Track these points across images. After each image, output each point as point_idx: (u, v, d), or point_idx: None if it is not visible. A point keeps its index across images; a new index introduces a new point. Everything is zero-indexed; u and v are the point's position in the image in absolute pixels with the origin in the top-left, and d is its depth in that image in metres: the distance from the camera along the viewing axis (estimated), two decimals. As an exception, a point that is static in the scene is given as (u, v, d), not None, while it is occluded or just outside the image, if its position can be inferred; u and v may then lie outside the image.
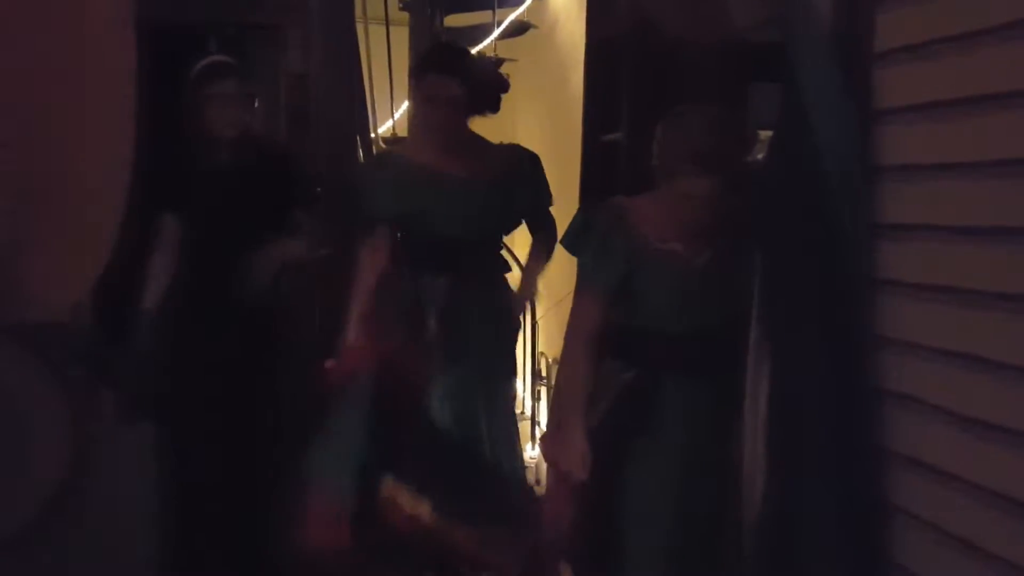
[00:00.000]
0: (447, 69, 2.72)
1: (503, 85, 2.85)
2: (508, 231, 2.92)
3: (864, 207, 1.56)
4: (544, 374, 4.79)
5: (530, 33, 5.03)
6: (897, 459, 1.54)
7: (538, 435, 4.70)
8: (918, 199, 1.50)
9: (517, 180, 2.74)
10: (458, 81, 2.69)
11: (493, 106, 2.82)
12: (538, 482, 3.37)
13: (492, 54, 4.80)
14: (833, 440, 1.56)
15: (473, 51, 4.65)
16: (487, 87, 2.79)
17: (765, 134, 2.83)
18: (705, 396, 2.04)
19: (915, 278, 1.50)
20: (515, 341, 2.95)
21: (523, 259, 3.85)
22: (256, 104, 2.81)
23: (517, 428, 2.96)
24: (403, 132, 4.32)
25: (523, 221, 2.87)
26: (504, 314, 2.84)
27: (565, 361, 2.14)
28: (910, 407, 1.52)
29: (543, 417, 4.68)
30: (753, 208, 1.86)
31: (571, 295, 2.19)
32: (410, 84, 2.84)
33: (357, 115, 3.60)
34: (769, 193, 1.74)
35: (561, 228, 2.27)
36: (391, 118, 4.44)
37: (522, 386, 5.28)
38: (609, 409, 2.07)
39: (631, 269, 2.05)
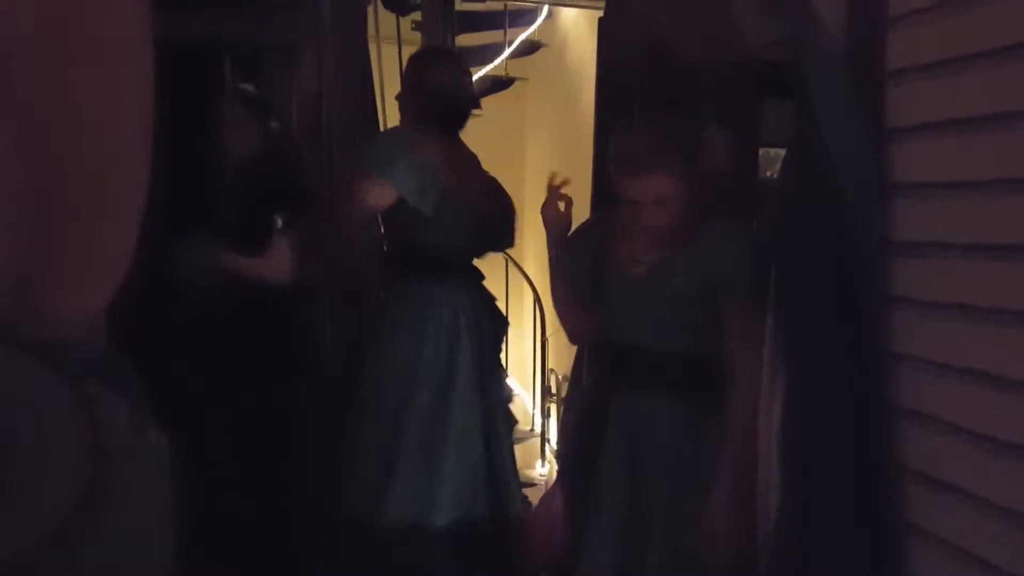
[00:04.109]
0: (411, 61, 2.80)
1: (466, 103, 2.84)
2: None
3: (877, 225, 1.56)
4: (554, 391, 4.80)
5: (541, 52, 5.06)
6: (910, 475, 1.54)
7: (548, 453, 4.69)
8: (931, 217, 1.50)
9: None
10: (409, 75, 2.75)
11: (450, 124, 2.82)
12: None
13: (503, 73, 4.84)
14: (847, 456, 1.55)
15: (484, 70, 4.70)
16: (441, 100, 2.78)
17: (777, 152, 2.84)
18: (650, 407, 2.04)
19: (928, 295, 1.51)
20: (501, 342, 2.96)
21: (531, 273, 3.84)
22: (273, 126, 2.88)
23: (511, 436, 2.97)
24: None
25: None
26: (480, 317, 2.86)
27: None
28: (923, 423, 1.52)
29: (553, 434, 4.67)
30: (768, 225, 1.87)
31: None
32: None
33: (369, 133, 3.62)
34: (782, 210, 1.75)
35: None
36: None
37: (532, 403, 5.28)
38: (577, 419, 2.13)
39: (594, 278, 2.13)
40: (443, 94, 2.77)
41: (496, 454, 2.80)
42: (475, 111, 2.89)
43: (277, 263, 2.68)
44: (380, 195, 2.64)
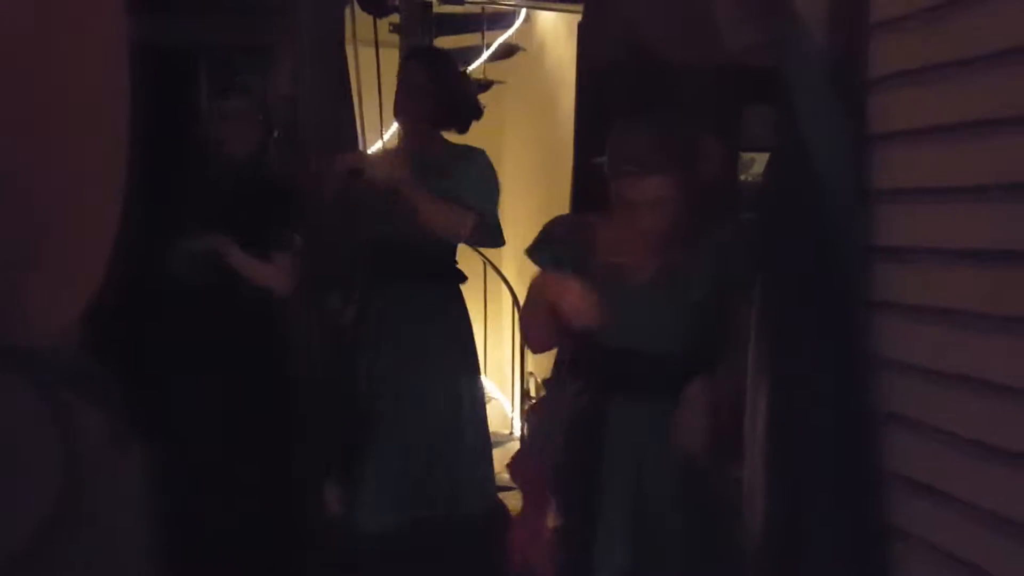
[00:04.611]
0: (426, 62, 2.77)
1: (477, 109, 2.86)
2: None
3: (861, 230, 1.56)
4: (532, 394, 4.79)
5: (519, 55, 5.06)
6: (895, 480, 1.54)
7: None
8: (916, 222, 1.51)
9: (461, 177, 2.75)
10: (431, 77, 2.73)
11: (461, 125, 2.84)
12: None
13: (481, 76, 4.83)
14: (832, 460, 1.55)
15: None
16: (461, 103, 2.81)
17: (751, 156, 2.86)
18: (649, 417, 2.02)
19: (913, 300, 1.51)
20: (472, 343, 2.95)
21: (509, 277, 3.80)
22: (270, 127, 2.86)
23: (488, 434, 2.97)
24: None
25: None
26: (456, 316, 2.85)
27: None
28: (907, 428, 1.52)
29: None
30: (751, 230, 1.87)
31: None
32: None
33: (346, 137, 3.60)
34: (765, 215, 1.75)
35: None
36: (380, 140, 4.44)
37: (510, 406, 5.27)
38: (568, 438, 2.07)
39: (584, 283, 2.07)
40: (471, 97, 2.80)
41: (477, 455, 2.81)
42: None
43: (281, 274, 2.68)
44: (468, 226, 2.66)
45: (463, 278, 2.96)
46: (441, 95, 2.74)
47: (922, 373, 1.48)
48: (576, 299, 1.95)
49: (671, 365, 2.00)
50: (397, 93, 2.83)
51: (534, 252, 2.17)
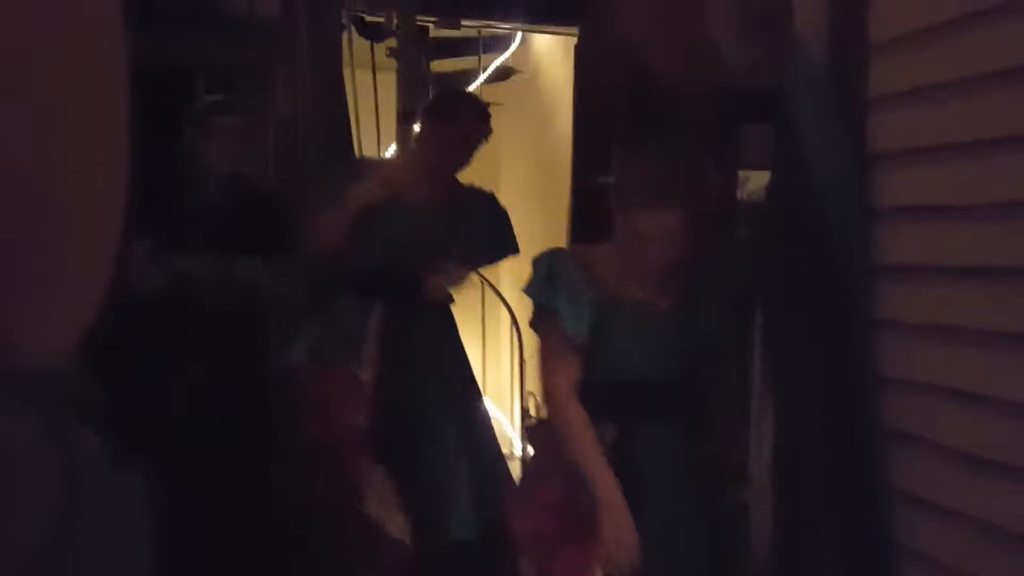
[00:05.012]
0: (480, 116, 2.78)
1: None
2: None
3: (863, 248, 1.56)
4: (532, 413, 4.76)
5: (515, 78, 5.08)
6: (900, 497, 1.54)
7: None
8: (916, 240, 1.51)
9: (472, 219, 2.76)
10: (487, 134, 2.75)
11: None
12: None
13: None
14: (837, 478, 1.55)
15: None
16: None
17: (746, 174, 2.86)
18: (675, 443, 1.99)
19: (914, 318, 1.51)
20: (467, 363, 2.95)
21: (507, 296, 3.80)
22: (256, 144, 2.85)
23: (499, 452, 2.96)
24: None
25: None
26: (448, 337, 2.84)
27: (565, 420, 2.00)
28: (912, 445, 1.52)
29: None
30: (752, 250, 1.86)
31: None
32: (431, 122, 2.85)
33: (344, 158, 3.60)
34: (767, 235, 1.75)
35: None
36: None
37: (510, 426, 5.25)
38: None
39: (596, 317, 1.98)
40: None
41: (483, 476, 2.79)
42: None
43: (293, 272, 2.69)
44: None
45: (452, 299, 2.97)
46: (474, 143, 2.77)
47: (926, 390, 1.48)
48: (627, 542, 1.88)
49: (685, 390, 1.97)
50: (451, 147, 2.76)
51: (540, 293, 2.02)
